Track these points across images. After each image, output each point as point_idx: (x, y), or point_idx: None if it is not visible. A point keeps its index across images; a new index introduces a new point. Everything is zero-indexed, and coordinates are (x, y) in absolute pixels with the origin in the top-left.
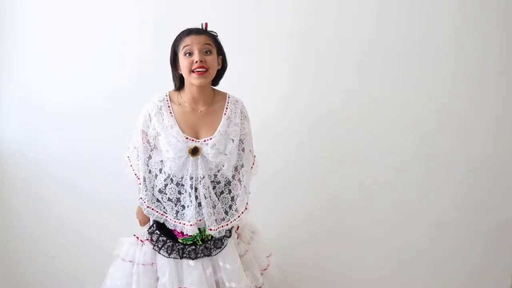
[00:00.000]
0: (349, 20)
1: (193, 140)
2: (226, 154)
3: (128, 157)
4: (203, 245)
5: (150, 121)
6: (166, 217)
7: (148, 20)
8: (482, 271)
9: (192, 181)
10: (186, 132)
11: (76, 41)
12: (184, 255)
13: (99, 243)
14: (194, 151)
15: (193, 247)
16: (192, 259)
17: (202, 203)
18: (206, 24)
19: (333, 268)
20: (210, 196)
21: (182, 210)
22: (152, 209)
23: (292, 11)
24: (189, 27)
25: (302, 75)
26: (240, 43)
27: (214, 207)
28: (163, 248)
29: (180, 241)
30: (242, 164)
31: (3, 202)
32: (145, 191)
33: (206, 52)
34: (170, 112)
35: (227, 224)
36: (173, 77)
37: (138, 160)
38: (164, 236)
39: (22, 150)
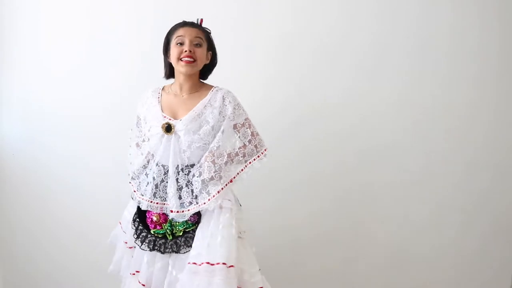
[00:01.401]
0: (349, 20)
1: (170, 119)
2: (199, 135)
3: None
4: (173, 240)
5: (142, 106)
6: (140, 198)
7: (148, 20)
8: (482, 271)
9: (161, 159)
10: (165, 112)
11: (76, 41)
12: (155, 247)
13: (100, 243)
14: (168, 128)
15: (163, 240)
16: (162, 253)
17: (168, 183)
18: (202, 20)
19: (333, 268)
20: (177, 178)
21: (146, 186)
22: (132, 184)
23: (291, 10)
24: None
25: (302, 74)
26: (239, 42)
27: (180, 189)
28: (139, 237)
29: (152, 232)
30: (218, 146)
31: (3, 202)
32: (130, 166)
33: (197, 44)
34: (158, 98)
35: (194, 208)
36: (164, 64)
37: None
38: (142, 226)
39: (22, 150)
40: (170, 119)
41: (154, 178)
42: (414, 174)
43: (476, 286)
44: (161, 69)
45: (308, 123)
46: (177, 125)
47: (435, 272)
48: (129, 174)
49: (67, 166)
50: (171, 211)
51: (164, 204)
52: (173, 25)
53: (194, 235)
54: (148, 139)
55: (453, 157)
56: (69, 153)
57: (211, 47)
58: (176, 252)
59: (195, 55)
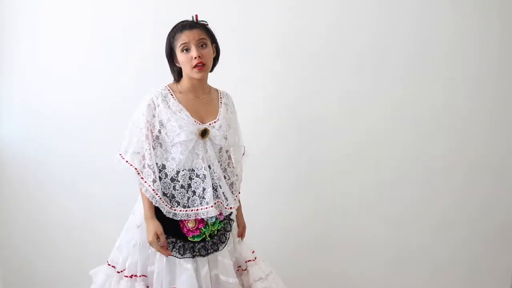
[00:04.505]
0: (349, 20)
1: (200, 124)
2: (227, 138)
3: (120, 154)
4: (211, 241)
5: (155, 109)
6: (175, 210)
7: (148, 22)
8: (482, 271)
9: (205, 164)
10: (193, 116)
11: (77, 42)
12: (195, 253)
13: (98, 244)
14: (204, 133)
15: (202, 243)
16: (203, 256)
17: (220, 184)
18: (197, 16)
19: (334, 267)
20: (224, 176)
21: (193, 196)
22: (163, 201)
23: (291, 11)
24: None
25: (302, 76)
26: (239, 43)
27: (231, 185)
28: (174, 249)
29: (190, 239)
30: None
31: (3, 203)
32: (154, 182)
33: (202, 45)
34: (175, 99)
35: (235, 206)
36: (171, 70)
37: (141, 152)
38: (172, 237)
39: (22, 151)
40: (200, 123)
41: (208, 183)
42: (416, 175)
43: (476, 286)
44: (160, 70)
45: (308, 123)
46: (211, 130)
47: (435, 272)
48: (153, 190)
49: (67, 167)
50: (231, 208)
51: (222, 203)
52: (172, 27)
53: (224, 231)
54: (172, 145)
55: (454, 157)
56: (69, 154)
57: (213, 39)
58: (216, 251)
59: (204, 58)
